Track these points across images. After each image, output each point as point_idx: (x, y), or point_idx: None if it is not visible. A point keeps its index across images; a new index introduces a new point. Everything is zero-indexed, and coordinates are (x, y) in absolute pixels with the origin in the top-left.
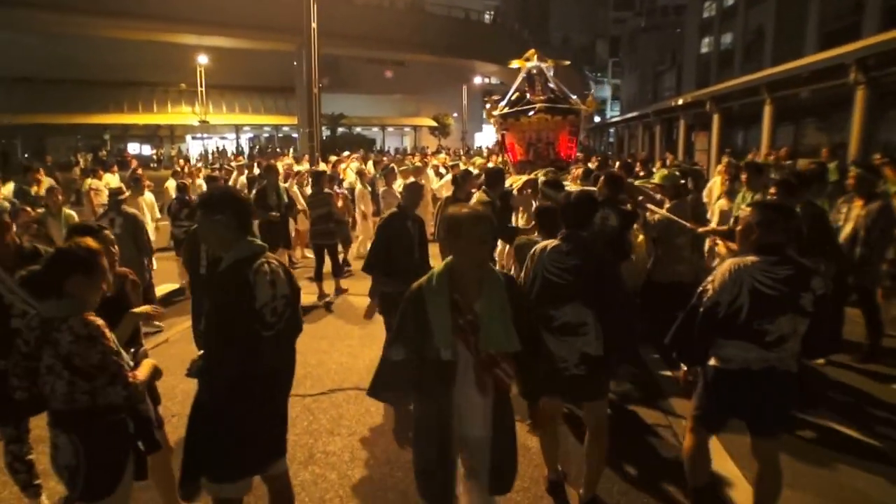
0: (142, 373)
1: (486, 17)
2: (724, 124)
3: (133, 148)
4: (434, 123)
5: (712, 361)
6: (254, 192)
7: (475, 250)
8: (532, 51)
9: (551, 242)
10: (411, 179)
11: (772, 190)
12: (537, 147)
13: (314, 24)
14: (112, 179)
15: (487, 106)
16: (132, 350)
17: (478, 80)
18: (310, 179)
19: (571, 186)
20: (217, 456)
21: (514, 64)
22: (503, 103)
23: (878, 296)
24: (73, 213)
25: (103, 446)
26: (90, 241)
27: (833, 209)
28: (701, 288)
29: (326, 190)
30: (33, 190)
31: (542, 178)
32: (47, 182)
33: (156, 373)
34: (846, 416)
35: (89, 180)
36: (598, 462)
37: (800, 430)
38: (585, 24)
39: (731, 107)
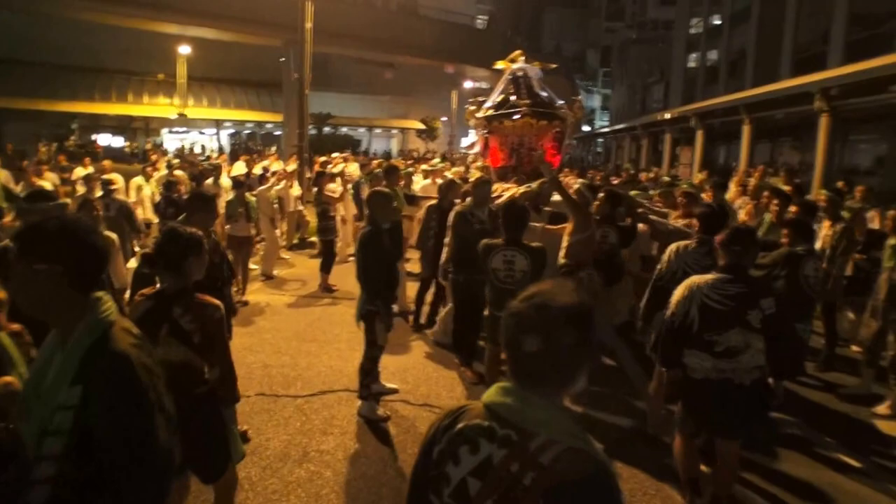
0: None
1: (479, 22)
2: (707, 140)
3: (104, 139)
4: (422, 126)
5: (686, 371)
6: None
7: None
8: (518, 52)
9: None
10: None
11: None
12: (520, 153)
13: (308, 24)
14: (82, 173)
15: (471, 107)
16: None
17: (468, 84)
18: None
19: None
20: None
21: (500, 65)
22: (487, 105)
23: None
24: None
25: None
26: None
27: None
28: (671, 300)
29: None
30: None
31: (523, 190)
32: (49, 178)
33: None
34: (806, 418)
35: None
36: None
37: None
38: (577, 33)
39: (713, 124)
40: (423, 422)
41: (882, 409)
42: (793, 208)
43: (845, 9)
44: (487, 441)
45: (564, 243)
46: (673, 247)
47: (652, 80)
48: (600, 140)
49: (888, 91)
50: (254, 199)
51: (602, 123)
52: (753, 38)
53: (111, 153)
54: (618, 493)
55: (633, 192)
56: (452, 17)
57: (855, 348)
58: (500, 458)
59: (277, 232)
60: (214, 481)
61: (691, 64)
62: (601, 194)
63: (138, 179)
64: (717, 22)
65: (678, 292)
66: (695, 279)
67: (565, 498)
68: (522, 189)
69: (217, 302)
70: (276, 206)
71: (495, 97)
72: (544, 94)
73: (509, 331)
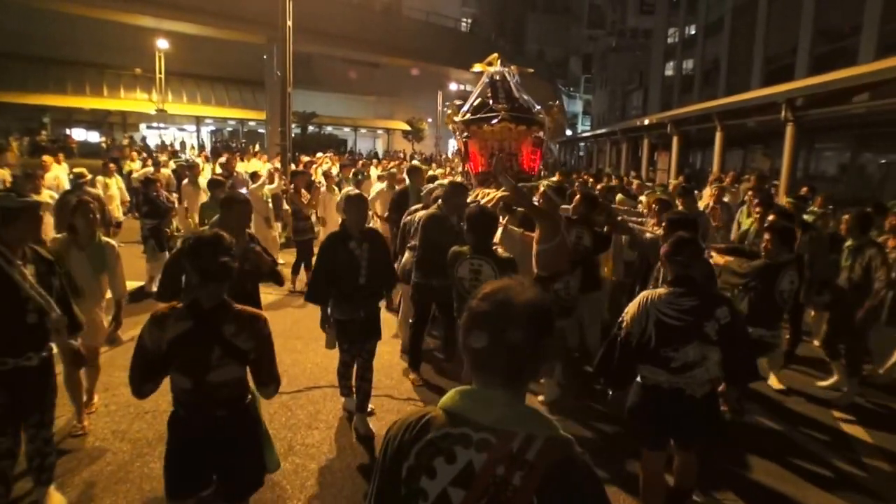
0: None
1: (464, 25)
2: (682, 146)
3: (78, 134)
4: (408, 127)
5: (638, 377)
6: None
7: None
8: (495, 55)
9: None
10: (355, 190)
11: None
12: (499, 157)
13: (289, 23)
14: (58, 169)
15: (448, 111)
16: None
17: (453, 86)
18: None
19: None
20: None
21: (477, 67)
22: (465, 108)
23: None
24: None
25: None
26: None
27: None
28: (620, 318)
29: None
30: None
31: (501, 194)
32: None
33: None
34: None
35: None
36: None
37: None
38: (560, 39)
39: (688, 130)
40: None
41: (825, 382)
42: (770, 216)
43: (811, 23)
44: (463, 448)
45: (534, 251)
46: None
47: (631, 86)
48: (582, 144)
49: (850, 102)
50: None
51: (584, 127)
52: (726, 49)
53: (86, 148)
54: (594, 470)
55: (619, 198)
56: (437, 20)
57: (816, 343)
58: (482, 463)
59: (275, 232)
60: (247, 497)
61: (669, 72)
62: (577, 195)
63: (101, 178)
64: (693, 32)
65: (632, 308)
66: (648, 294)
67: (559, 488)
68: (499, 194)
69: (260, 312)
70: (269, 204)
71: (473, 100)
72: (523, 98)
73: (472, 329)
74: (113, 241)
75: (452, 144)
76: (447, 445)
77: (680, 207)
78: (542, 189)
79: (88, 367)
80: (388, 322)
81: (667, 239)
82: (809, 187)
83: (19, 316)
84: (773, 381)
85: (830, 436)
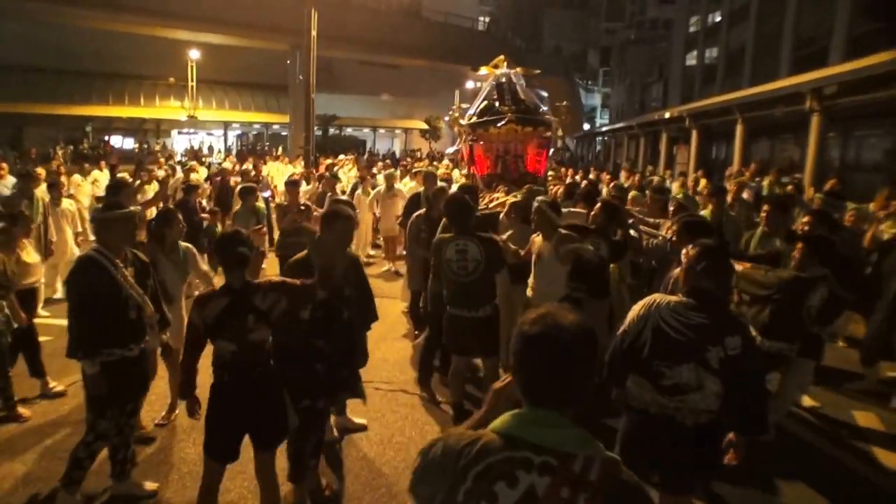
0: None
1: (481, 24)
2: (702, 139)
3: (116, 141)
4: (426, 126)
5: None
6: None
7: None
8: (501, 57)
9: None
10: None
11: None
12: (505, 160)
13: (314, 33)
14: (100, 176)
15: (455, 114)
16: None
17: (470, 84)
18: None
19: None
20: None
21: (483, 70)
22: (471, 112)
23: None
24: None
25: None
26: None
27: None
28: (628, 315)
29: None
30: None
31: (511, 200)
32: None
33: None
34: None
35: (75, 177)
36: None
37: None
38: (577, 33)
39: (708, 123)
40: (420, 409)
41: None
42: (805, 218)
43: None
44: (525, 472)
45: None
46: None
47: (650, 79)
48: (600, 139)
49: (890, 87)
50: (263, 206)
51: (603, 121)
52: (752, 35)
53: (122, 154)
54: (644, 488)
55: (632, 195)
56: (455, 20)
57: (841, 343)
58: (545, 487)
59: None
60: (277, 445)
61: (690, 62)
62: (598, 205)
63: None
64: (717, 19)
65: (636, 309)
66: (657, 297)
67: None
68: (510, 199)
69: (275, 278)
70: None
71: (479, 104)
72: (529, 100)
73: (525, 353)
74: (189, 245)
75: (450, 150)
76: (508, 469)
77: (711, 208)
78: (535, 205)
79: (172, 367)
80: (401, 322)
81: (680, 243)
82: (838, 179)
83: (123, 312)
84: (806, 400)
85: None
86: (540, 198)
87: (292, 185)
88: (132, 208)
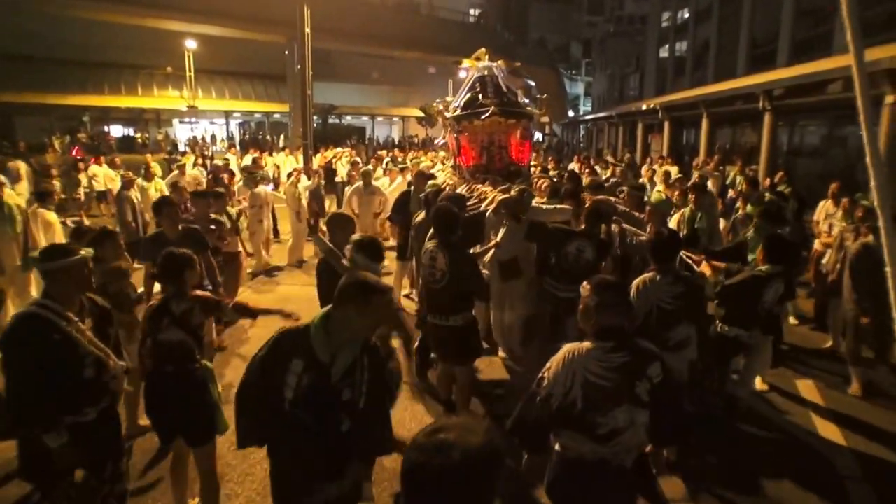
0: None
1: (471, 17)
2: (674, 128)
3: (116, 130)
4: (422, 114)
5: (556, 446)
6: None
7: None
8: (482, 50)
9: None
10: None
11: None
12: (490, 151)
13: (307, 30)
14: (99, 171)
15: (439, 107)
16: None
17: (462, 74)
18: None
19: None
20: None
21: (465, 63)
22: (455, 104)
23: None
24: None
25: None
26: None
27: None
28: (540, 374)
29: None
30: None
31: (501, 197)
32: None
33: None
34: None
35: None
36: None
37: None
38: (561, 26)
39: (678, 115)
40: (419, 399)
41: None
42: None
43: (792, 7)
44: None
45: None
46: (635, 283)
47: (629, 70)
48: (584, 126)
49: (824, 93)
50: (235, 210)
51: (586, 108)
52: (715, 33)
53: (123, 144)
54: None
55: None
56: (446, 14)
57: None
58: None
59: (304, 225)
60: (201, 445)
61: (663, 55)
62: (587, 206)
63: (140, 181)
64: (686, 16)
65: (554, 366)
66: (572, 348)
67: None
68: (500, 195)
69: (200, 293)
70: (301, 200)
71: (462, 96)
72: (511, 92)
73: (408, 468)
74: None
75: (439, 141)
76: None
77: (691, 206)
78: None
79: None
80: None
81: (655, 260)
82: (785, 171)
83: (76, 372)
84: (758, 383)
85: (811, 435)
86: (502, 196)
87: (200, 196)
88: (83, 252)
